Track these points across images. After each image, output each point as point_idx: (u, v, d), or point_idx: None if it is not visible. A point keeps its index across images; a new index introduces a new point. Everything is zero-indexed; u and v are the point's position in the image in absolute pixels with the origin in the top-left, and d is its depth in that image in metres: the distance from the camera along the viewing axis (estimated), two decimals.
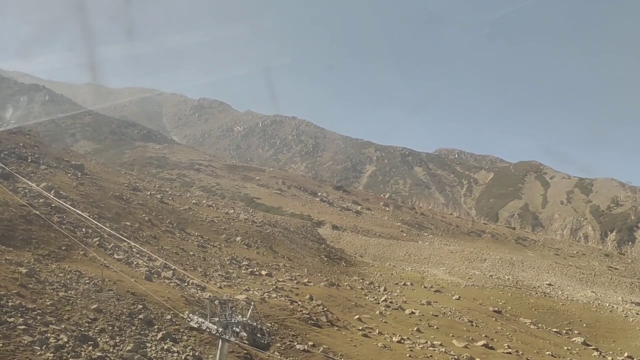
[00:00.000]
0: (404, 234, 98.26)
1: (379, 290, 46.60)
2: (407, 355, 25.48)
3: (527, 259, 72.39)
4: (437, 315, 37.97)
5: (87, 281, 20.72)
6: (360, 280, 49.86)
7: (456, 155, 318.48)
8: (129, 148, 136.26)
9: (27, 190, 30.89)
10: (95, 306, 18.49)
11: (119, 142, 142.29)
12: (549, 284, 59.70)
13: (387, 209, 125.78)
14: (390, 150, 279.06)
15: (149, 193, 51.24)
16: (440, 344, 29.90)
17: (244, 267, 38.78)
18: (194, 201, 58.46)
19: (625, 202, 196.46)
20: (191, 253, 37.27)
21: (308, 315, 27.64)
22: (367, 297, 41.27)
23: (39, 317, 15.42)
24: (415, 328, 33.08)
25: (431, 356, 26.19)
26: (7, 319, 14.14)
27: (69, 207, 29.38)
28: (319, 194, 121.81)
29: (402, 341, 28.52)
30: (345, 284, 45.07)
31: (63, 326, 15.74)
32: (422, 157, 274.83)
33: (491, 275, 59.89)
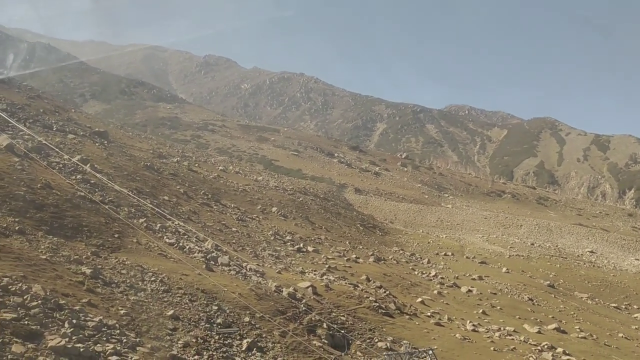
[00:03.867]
0: (426, 196, 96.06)
1: (423, 263, 44.62)
2: (491, 348, 23.39)
3: (565, 225, 70.10)
4: (495, 294, 35.93)
5: (152, 278, 18.39)
6: (401, 252, 47.82)
7: (466, 112, 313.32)
8: (139, 108, 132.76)
9: (61, 166, 28.15)
10: (171, 312, 16.17)
11: (129, 102, 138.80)
12: (591, 252, 57.56)
13: (405, 169, 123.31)
14: (401, 107, 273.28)
15: (175, 160, 48.72)
16: (514, 330, 27.90)
17: (289, 243, 36.60)
18: (220, 167, 56.05)
19: None
20: (234, 229, 35.00)
21: (377, 303, 25.48)
22: (416, 273, 39.25)
23: (123, 339, 13.00)
24: (481, 310, 31.09)
25: (514, 348, 24.10)
26: (95, 349, 11.67)
27: (113, 184, 26.86)
28: (335, 154, 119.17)
29: (476, 329, 26.49)
30: (390, 257, 43.01)
31: (149, 346, 13.39)
32: (433, 114, 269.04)
33: (532, 244, 57.68)
